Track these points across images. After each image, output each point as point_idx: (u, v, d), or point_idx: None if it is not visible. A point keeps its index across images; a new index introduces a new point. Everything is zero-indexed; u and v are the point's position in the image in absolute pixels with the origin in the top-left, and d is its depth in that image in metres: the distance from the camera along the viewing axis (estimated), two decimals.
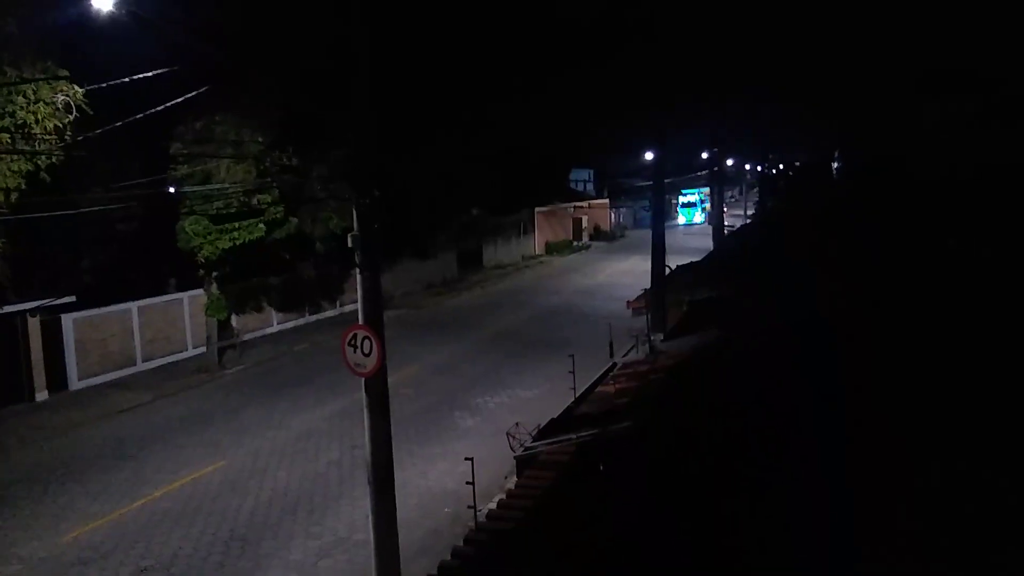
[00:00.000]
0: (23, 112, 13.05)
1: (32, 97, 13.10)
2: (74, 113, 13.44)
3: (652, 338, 21.12)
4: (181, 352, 22.37)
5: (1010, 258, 16.64)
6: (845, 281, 19.63)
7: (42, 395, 18.51)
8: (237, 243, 19.35)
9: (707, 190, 70.71)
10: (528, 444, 13.11)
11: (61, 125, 13.53)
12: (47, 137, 13.29)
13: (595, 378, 17.68)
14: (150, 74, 10.10)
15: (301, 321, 27.28)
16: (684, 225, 67.94)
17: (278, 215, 20.06)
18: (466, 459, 11.00)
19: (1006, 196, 20.92)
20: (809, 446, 9.55)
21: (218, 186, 18.37)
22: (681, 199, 71.10)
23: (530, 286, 36.73)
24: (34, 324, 18.35)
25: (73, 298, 18.83)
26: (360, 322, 8.50)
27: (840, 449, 9.09)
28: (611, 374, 18.16)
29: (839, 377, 11.60)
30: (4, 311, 17.35)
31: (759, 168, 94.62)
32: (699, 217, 70.08)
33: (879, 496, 7.96)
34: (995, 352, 11.20)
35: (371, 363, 8.34)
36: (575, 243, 53.64)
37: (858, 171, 50.19)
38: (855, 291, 18.18)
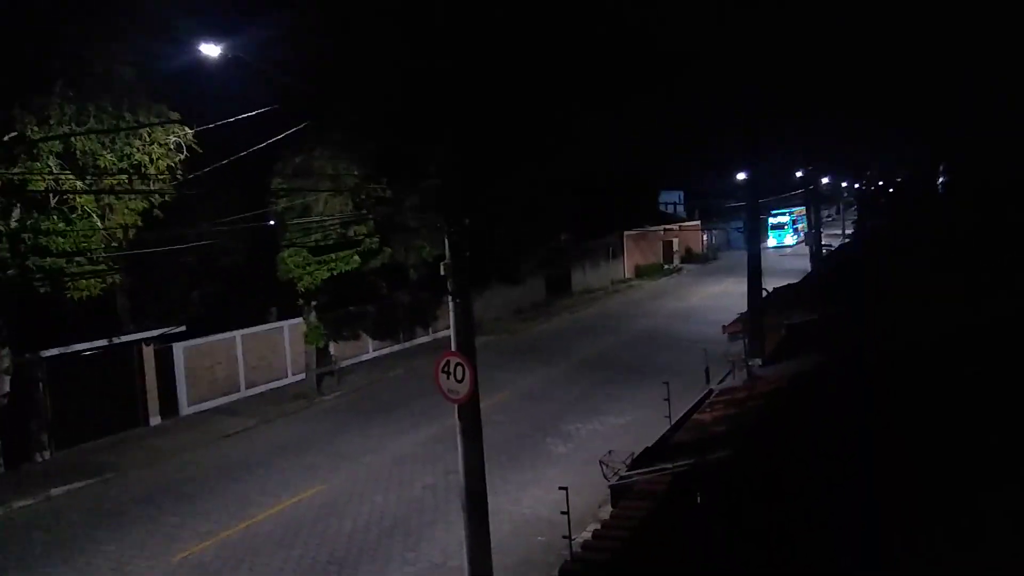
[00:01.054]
0: (139, 154, 13.93)
1: (147, 139, 13.98)
2: (184, 152, 14.26)
3: (749, 363, 20.48)
4: (281, 379, 23.17)
5: None
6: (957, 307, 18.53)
7: (155, 420, 19.50)
8: (335, 273, 19.98)
9: (799, 210, 68.19)
10: (623, 473, 12.87)
11: (173, 164, 14.37)
12: (160, 176, 14.11)
13: (691, 405, 17.25)
14: (253, 113, 10.62)
15: (396, 348, 27.82)
16: (774, 247, 64.43)
17: (373, 245, 20.61)
18: (560, 488, 10.90)
19: None
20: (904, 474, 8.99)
21: (316, 218, 19.04)
22: (771, 220, 67.28)
23: (620, 311, 36.35)
24: (148, 352, 19.40)
25: (183, 328, 19.86)
26: (453, 348, 8.59)
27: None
28: (707, 401, 17.68)
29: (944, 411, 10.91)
30: (122, 340, 18.43)
31: (856, 185, 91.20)
32: (790, 239, 67.06)
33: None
34: None
35: (464, 389, 8.40)
36: (666, 266, 52.82)
37: (976, 186, 47.41)
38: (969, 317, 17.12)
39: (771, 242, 66.40)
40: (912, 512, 8.30)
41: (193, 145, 14.28)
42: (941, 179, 64.51)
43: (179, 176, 14.33)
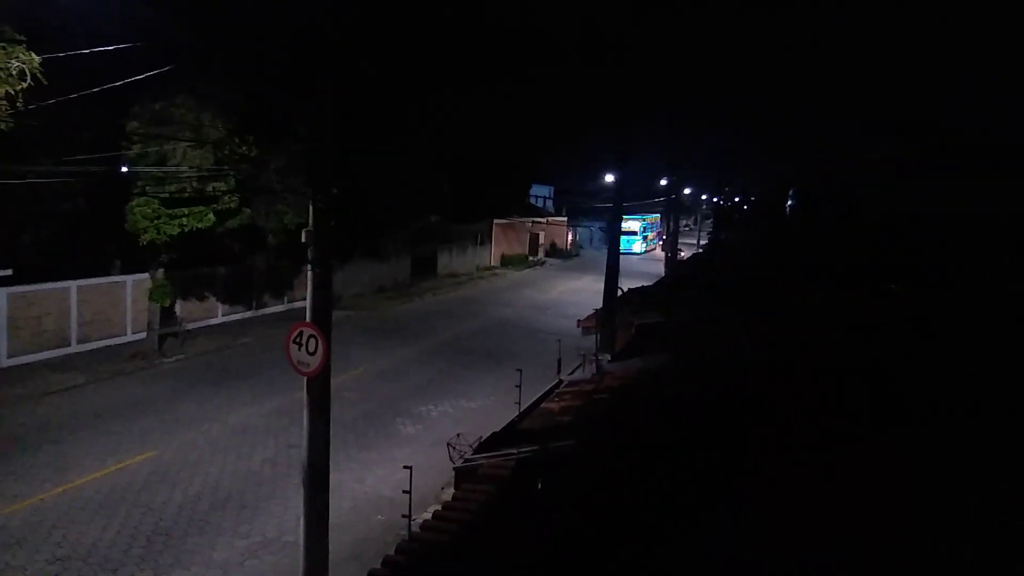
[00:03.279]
0: None
1: None
2: (28, 81, 12.99)
3: (599, 358, 21.25)
4: (120, 336, 21.72)
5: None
6: (787, 319, 20.06)
7: None
8: (185, 229, 18.89)
9: (651, 218, 70.75)
10: (468, 456, 13.04)
11: (13, 92, 13.05)
12: None
13: (540, 394, 17.71)
14: (111, 48, 9.83)
15: (247, 314, 26.76)
16: (621, 253, 62.41)
17: (232, 204, 19.65)
18: (404, 467, 10.89)
19: (943, 241, 21.72)
20: (738, 478, 9.68)
21: (172, 168, 17.93)
22: (621, 225, 68.11)
23: (483, 297, 36.69)
24: None
25: (9, 272, 18.18)
26: (307, 319, 8.36)
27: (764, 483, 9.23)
28: (556, 391, 18.21)
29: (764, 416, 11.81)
30: None
31: (715, 199, 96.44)
32: (638, 246, 65.76)
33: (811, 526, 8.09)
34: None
35: (315, 362, 8.21)
36: (531, 258, 53.83)
37: (808, 209, 51.45)
38: (795, 330, 18.58)
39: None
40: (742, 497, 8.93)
41: (39, 74, 13.02)
42: (789, 202, 69.38)
43: (19, 106, 13.05)
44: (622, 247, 67.41)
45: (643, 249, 66.73)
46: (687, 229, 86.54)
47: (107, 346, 21.15)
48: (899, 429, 10.52)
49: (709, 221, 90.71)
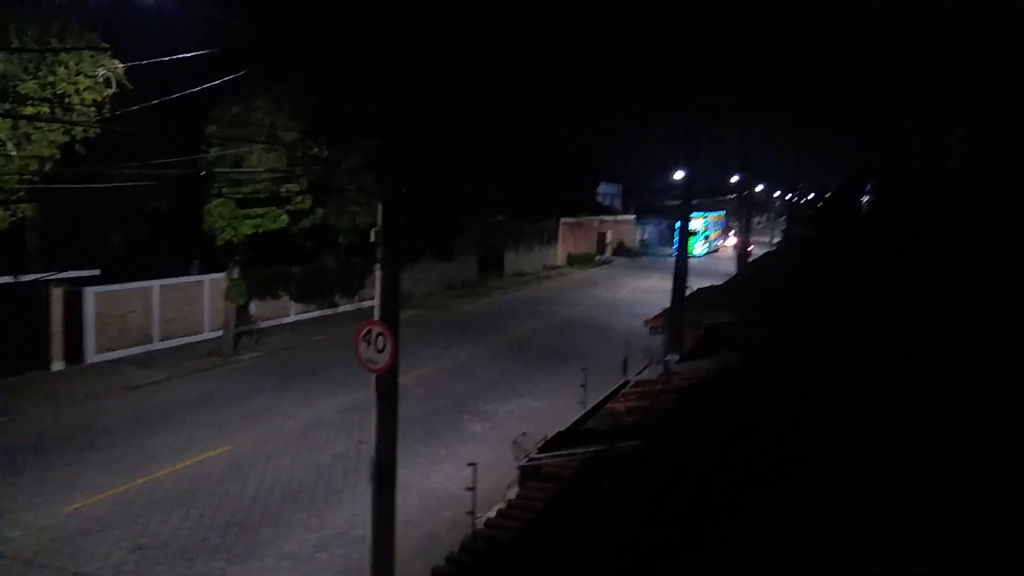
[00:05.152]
0: (64, 84, 13.20)
1: (74, 69, 13.25)
2: (113, 87, 13.57)
3: (667, 358, 20.96)
4: (198, 334, 22.52)
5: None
6: (860, 312, 19.42)
7: (59, 365, 18.70)
8: (260, 230, 19.44)
9: (714, 215, 65.68)
10: (533, 455, 13.02)
11: (100, 99, 13.66)
12: (85, 109, 13.42)
13: (606, 394, 17.56)
14: (191, 54, 10.17)
15: (319, 313, 27.37)
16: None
17: (304, 205, 20.13)
18: (469, 464, 10.94)
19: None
20: (817, 475, 9.38)
21: (247, 170, 18.47)
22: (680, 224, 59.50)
23: (549, 296, 36.63)
24: (56, 294, 18.56)
25: (97, 272, 19.06)
26: (376, 318, 8.47)
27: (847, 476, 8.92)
28: (623, 391, 18.04)
29: (847, 407, 11.41)
30: (28, 279, 17.55)
31: (788, 196, 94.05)
32: (699, 247, 58.20)
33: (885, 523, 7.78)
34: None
35: (384, 359, 8.31)
36: (597, 257, 53.43)
37: (881, 203, 49.64)
38: (869, 321, 17.96)
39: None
40: (818, 508, 8.64)
41: (124, 81, 13.59)
42: (866, 198, 67.03)
43: (106, 112, 13.65)
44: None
45: (704, 251, 59.97)
46: (760, 226, 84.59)
47: (187, 343, 21.96)
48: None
49: (783, 219, 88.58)
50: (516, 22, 25.89)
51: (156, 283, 21.31)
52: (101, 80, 13.53)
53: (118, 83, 13.62)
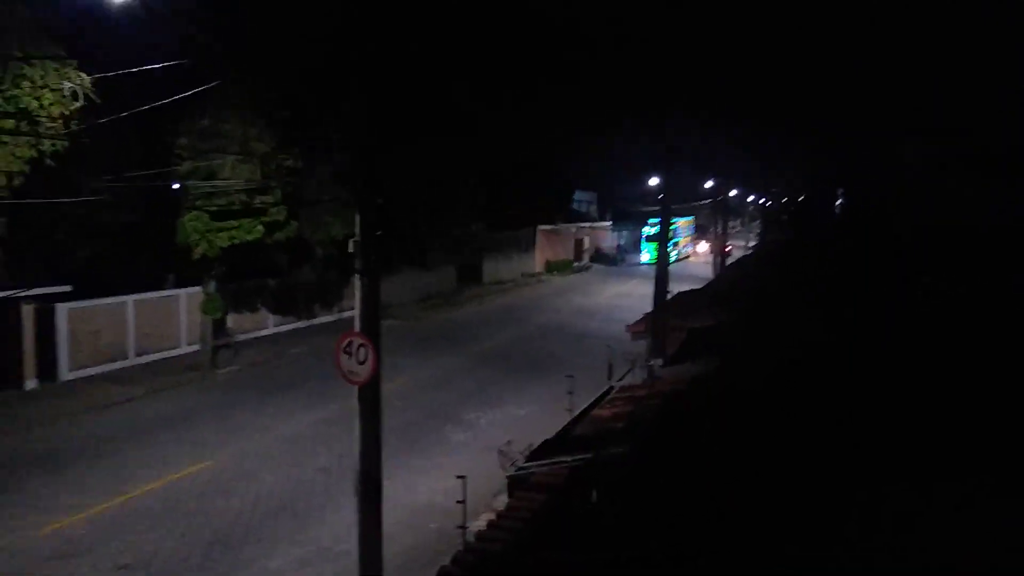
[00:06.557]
0: (28, 98, 12.96)
1: (39, 82, 13.02)
2: (81, 101, 13.35)
3: (651, 363, 20.94)
4: (174, 349, 22.17)
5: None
6: (834, 313, 19.57)
7: (31, 384, 18.30)
8: (235, 242, 19.20)
9: (683, 220, 63.76)
10: (520, 464, 12.91)
11: (67, 112, 13.44)
12: (52, 124, 13.20)
13: (591, 400, 17.49)
14: (159, 65, 10.02)
15: (297, 325, 27.09)
16: (647, 263, 49.10)
17: (280, 217, 19.94)
18: (458, 477, 10.81)
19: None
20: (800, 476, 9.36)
21: (221, 182, 18.25)
22: (647, 230, 54.65)
23: (529, 303, 36.59)
24: (28, 311, 18.16)
25: (69, 288, 18.67)
26: (357, 329, 8.34)
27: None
28: (608, 397, 17.98)
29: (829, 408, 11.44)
30: None
31: (761, 200, 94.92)
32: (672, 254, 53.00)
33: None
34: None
35: (365, 371, 8.18)
36: (575, 264, 53.53)
37: (852, 210, 50.27)
38: (843, 323, 18.10)
39: (644, 256, 54.85)
40: (802, 507, 8.62)
41: (90, 94, 13.38)
42: (839, 201, 67.78)
43: (73, 125, 13.42)
44: (649, 256, 59.68)
45: (673, 258, 57.25)
46: (735, 231, 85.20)
47: (163, 358, 21.59)
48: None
49: (756, 222, 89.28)
50: (485, 29, 25.91)
51: (130, 298, 20.94)
52: (68, 94, 13.30)
53: (85, 96, 13.41)
